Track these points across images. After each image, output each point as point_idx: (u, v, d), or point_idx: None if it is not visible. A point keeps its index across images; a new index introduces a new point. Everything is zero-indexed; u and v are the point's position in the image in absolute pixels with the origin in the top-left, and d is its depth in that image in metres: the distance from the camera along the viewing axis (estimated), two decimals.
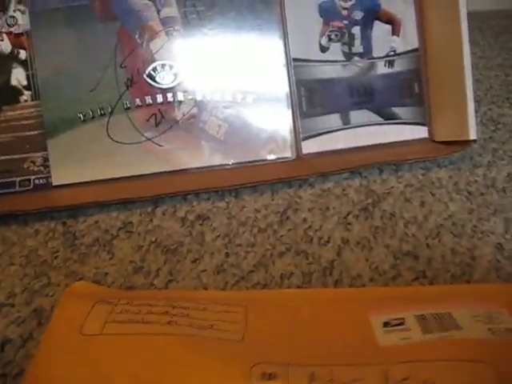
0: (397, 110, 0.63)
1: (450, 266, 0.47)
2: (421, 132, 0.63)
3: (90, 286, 0.45)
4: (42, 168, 0.57)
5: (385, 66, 0.63)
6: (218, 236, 0.51)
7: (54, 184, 0.57)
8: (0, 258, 0.50)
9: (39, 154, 0.57)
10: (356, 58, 0.62)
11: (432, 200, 0.55)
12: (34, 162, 0.57)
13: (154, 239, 0.51)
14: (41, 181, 0.57)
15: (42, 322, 0.44)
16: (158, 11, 0.58)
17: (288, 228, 0.52)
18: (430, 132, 0.63)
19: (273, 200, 0.55)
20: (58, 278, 0.48)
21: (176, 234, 0.51)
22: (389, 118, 0.63)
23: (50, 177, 0.57)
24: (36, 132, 0.57)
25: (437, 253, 0.49)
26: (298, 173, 0.57)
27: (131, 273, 0.48)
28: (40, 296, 0.46)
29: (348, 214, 0.54)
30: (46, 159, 0.57)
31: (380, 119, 0.62)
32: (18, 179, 0.57)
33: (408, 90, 0.64)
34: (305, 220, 0.53)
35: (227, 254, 0.49)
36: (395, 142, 0.63)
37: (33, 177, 0.57)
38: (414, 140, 0.63)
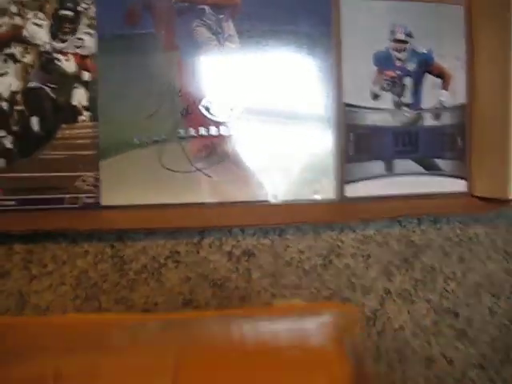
0: (439, 162, 0.64)
1: (489, 327, 0.48)
2: (461, 186, 0.65)
3: None
4: (92, 187, 0.58)
5: (431, 118, 0.64)
6: (264, 275, 0.52)
7: (102, 204, 0.58)
8: (51, 277, 0.51)
9: (91, 174, 0.58)
10: (405, 108, 0.64)
11: (470, 256, 0.57)
12: (85, 181, 0.58)
13: (201, 271, 0.52)
14: (90, 200, 0.58)
15: None
16: (221, 45, 0.59)
17: (332, 273, 0.53)
18: (469, 187, 0.65)
19: (316, 242, 0.56)
20: (108, 303, 0.49)
21: (223, 268, 0.52)
22: (430, 169, 0.64)
23: (99, 197, 0.58)
24: (90, 152, 0.58)
25: (476, 312, 0.50)
26: (340, 217, 0.59)
27: (181, 305, 0.49)
28: None
29: (389, 264, 0.55)
30: (96, 179, 0.58)
31: (422, 170, 0.64)
32: (68, 196, 0.58)
33: (451, 144, 0.65)
34: (348, 266, 0.54)
35: (273, 295, 0.50)
36: (435, 194, 0.64)
37: (82, 195, 0.58)
38: (453, 193, 0.64)
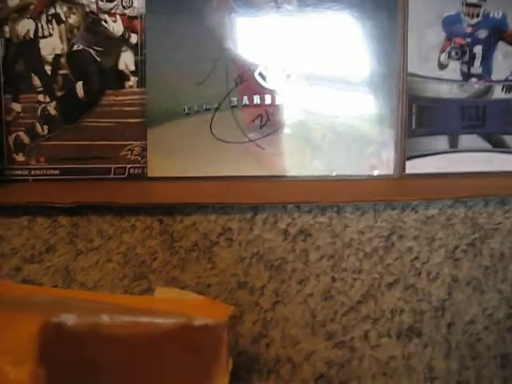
0: (507, 139, 0.60)
1: None
2: None
3: None
4: (138, 158, 0.55)
5: (502, 90, 0.59)
6: (323, 256, 0.49)
7: (149, 175, 0.55)
8: (97, 253, 0.48)
9: (138, 143, 0.55)
10: (473, 79, 0.59)
11: None
12: (131, 151, 0.55)
13: (255, 251, 0.49)
14: (136, 170, 0.55)
15: None
16: (278, 7, 0.55)
17: (394, 256, 0.50)
18: None
19: (376, 222, 0.53)
20: (159, 283, 0.46)
21: (279, 248, 0.49)
22: (498, 145, 0.60)
23: (145, 167, 0.55)
24: (137, 120, 0.55)
25: None
26: (400, 195, 0.55)
27: (235, 287, 0.46)
28: None
29: (455, 248, 0.51)
30: (144, 149, 0.55)
31: (489, 146, 0.59)
32: (113, 166, 0.55)
33: None
34: (411, 249, 0.50)
35: (333, 279, 0.47)
36: (502, 172, 0.59)
37: (128, 165, 0.55)
38: None
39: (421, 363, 0.41)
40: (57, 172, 0.54)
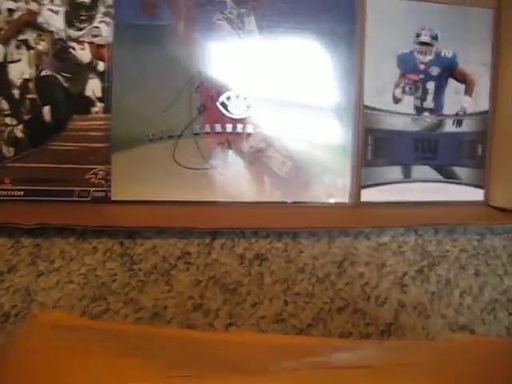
0: (457, 170, 0.63)
1: None
2: (477, 195, 0.64)
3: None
4: (102, 181, 0.57)
5: (453, 124, 0.63)
6: (277, 281, 0.51)
7: (112, 199, 0.57)
8: (59, 274, 0.49)
9: (102, 167, 0.57)
10: (426, 114, 0.62)
11: (487, 270, 0.55)
12: (95, 175, 0.57)
13: (212, 275, 0.51)
14: (100, 194, 0.57)
15: None
16: (240, 38, 0.58)
17: (345, 282, 0.52)
18: (486, 196, 0.63)
19: (330, 248, 0.55)
20: (116, 304, 0.47)
21: (235, 272, 0.51)
22: (448, 176, 0.63)
23: (109, 191, 0.57)
24: (102, 145, 0.57)
25: (492, 330, 0.49)
26: (355, 223, 0.57)
27: (190, 309, 0.47)
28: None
29: (404, 275, 0.54)
30: (108, 173, 0.57)
31: (440, 177, 0.63)
32: (77, 189, 0.57)
33: (471, 152, 0.64)
34: (362, 275, 0.53)
35: (286, 302, 0.49)
36: (451, 202, 0.62)
37: (92, 189, 0.57)
38: (470, 202, 0.63)
39: None
40: (21, 193, 0.56)
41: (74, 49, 0.56)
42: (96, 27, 0.55)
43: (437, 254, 0.56)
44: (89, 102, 0.56)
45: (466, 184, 0.63)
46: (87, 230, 0.53)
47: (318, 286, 0.50)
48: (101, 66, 0.56)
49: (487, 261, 0.56)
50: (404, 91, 0.61)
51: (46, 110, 0.56)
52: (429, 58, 0.62)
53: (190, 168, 0.57)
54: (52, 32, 0.55)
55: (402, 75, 0.61)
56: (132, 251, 0.52)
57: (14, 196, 0.56)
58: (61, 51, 0.56)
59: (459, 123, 0.63)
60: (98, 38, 0.56)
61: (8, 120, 0.56)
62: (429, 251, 0.56)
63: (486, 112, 0.64)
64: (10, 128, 0.56)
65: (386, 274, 0.52)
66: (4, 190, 0.55)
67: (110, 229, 0.53)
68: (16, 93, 0.55)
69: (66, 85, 0.56)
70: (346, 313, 0.48)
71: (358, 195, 0.61)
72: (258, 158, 0.58)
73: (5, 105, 0.55)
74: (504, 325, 0.49)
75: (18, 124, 0.55)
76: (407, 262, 0.54)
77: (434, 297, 0.51)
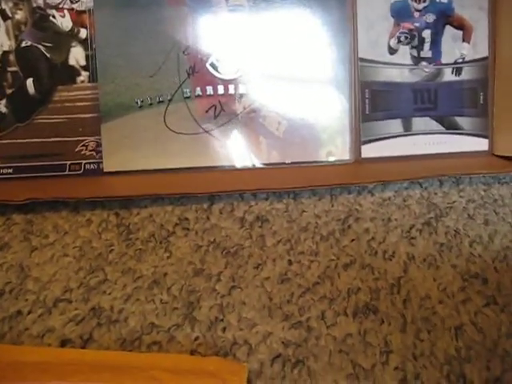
0: (459, 120, 0.61)
1: None
2: (482, 145, 0.62)
3: None
4: (93, 153, 0.55)
5: (452, 73, 0.60)
6: (280, 241, 0.49)
7: (105, 170, 0.55)
8: (53, 248, 0.48)
9: (92, 139, 0.55)
10: (423, 63, 0.60)
11: (496, 219, 0.54)
12: (86, 146, 0.55)
13: (212, 239, 0.49)
14: (92, 166, 0.55)
15: (101, 323, 0.42)
16: (230, 3, 0.55)
17: (351, 238, 0.50)
18: (490, 145, 0.61)
19: (332, 206, 0.53)
20: (114, 274, 0.46)
21: (235, 235, 0.49)
22: (450, 127, 0.61)
23: (101, 163, 0.55)
24: (90, 115, 0.55)
25: (506, 278, 0.47)
26: (357, 179, 0.55)
27: (191, 275, 0.46)
28: (97, 293, 0.44)
29: (411, 228, 0.52)
30: (98, 144, 0.55)
31: (441, 128, 0.60)
32: (68, 163, 0.55)
33: (472, 100, 0.62)
34: (367, 230, 0.51)
35: (290, 262, 0.47)
36: (455, 153, 0.60)
37: (84, 161, 0.55)
38: (474, 152, 0.61)
39: (376, 339, 0.41)
40: (10, 171, 0.54)
41: (53, 17, 0.53)
42: None
43: (443, 205, 0.54)
44: (73, 72, 0.54)
45: (469, 134, 0.61)
46: (80, 203, 0.52)
47: (322, 244, 0.48)
48: (83, 33, 0.54)
49: (496, 210, 0.54)
50: (399, 41, 0.59)
51: (29, 82, 0.54)
52: (423, 4, 0.59)
53: (182, 133, 0.55)
54: (29, 0, 0.53)
55: (397, 24, 0.59)
56: (128, 221, 0.50)
57: (2, 174, 0.54)
58: (40, 20, 0.53)
59: (459, 71, 0.60)
60: (77, 4, 0.54)
61: None
62: (435, 203, 0.54)
63: (485, 58, 0.61)
64: None
65: (392, 229, 0.50)
66: None
67: (104, 200, 0.51)
68: None
69: (48, 55, 0.54)
70: (353, 269, 0.46)
71: (359, 151, 0.59)
72: (252, 118, 0.56)
73: None
74: None
75: (1, 99, 0.54)
76: (413, 215, 0.52)
77: (443, 248, 0.49)
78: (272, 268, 0.46)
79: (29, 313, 0.42)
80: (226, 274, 0.46)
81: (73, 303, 0.43)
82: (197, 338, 0.41)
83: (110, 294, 0.44)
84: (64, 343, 0.40)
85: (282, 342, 0.41)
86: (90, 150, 0.55)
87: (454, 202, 0.55)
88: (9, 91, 0.53)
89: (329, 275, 0.46)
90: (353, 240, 0.50)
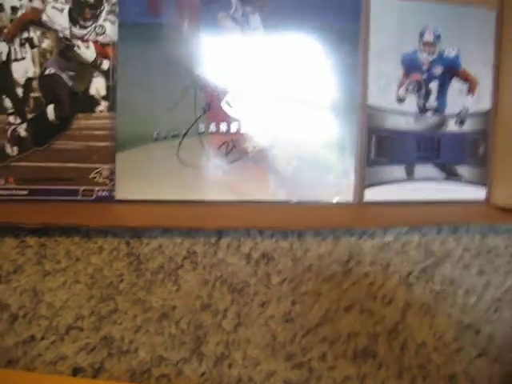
0: (459, 169, 0.63)
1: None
2: (479, 194, 0.64)
3: None
4: (106, 180, 0.56)
5: (455, 123, 0.63)
6: (284, 280, 0.51)
7: (116, 198, 0.56)
8: (65, 274, 0.49)
9: (106, 166, 0.56)
10: (429, 113, 0.62)
11: (490, 269, 0.56)
12: (100, 173, 0.56)
13: (219, 275, 0.51)
14: (104, 193, 0.57)
15: (112, 353, 0.43)
16: (246, 40, 0.57)
17: (352, 281, 0.52)
18: (488, 195, 0.64)
19: (335, 247, 0.55)
20: (125, 304, 0.47)
21: (241, 272, 0.51)
22: (451, 175, 0.63)
23: (113, 190, 0.56)
24: (106, 144, 0.57)
25: (497, 329, 0.49)
26: (359, 222, 0.58)
27: (199, 309, 0.47)
28: (108, 323, 0.46)
29: (409, 274, 0.54)
30: (112, 172, 0.56)
31: (442, 176, 0.63)
32: (81, 188, 0.56)
33: (473, 150, 0.64)
34: (367, 275, 0.53)
35: (294, 302, 0.49)
36: (454, 201, 0.63)
37: (96, 188, 0.57)
38: (472, 201, 0.63)
39: (375, 383, 0.43)
40: (25, 193, 0.55)
41: (78, 47, 0.55)
42: (101, 25, 0.55)
43: (440, 253, 0.56)
44: (93, 101, 0.56)
45: (469, 182, 0.64)
46: (92, 230, 0.53)
47: (324, 286, 0.50)
48: (105, 64, 0.56)
49: (490, 259, 0.56)
50: (407, 90, 0.61)
51: (50, 108, 0.55)
52: (432, 57, 0.62)
53: (194, 167, 0.57)
54: (56, 30, 0.55)
55: (406, 74, 0.61)
56: (138, 251, 0.52)
57: (17, 195, 0.55)
58: (65, 49, 0.55)
59: (462, 122, 0.63)
60: (102, 37, 0.55)
61: (12, 119, 0.55)
62: (432, 251, 0.56)
63: (488, 111, 0.64)
64: (13, 127, 0.55)
65: (390, 274, 0.52)
66: (8, 189, 0.55)
67: (116, 228, 0.53)
68: (20, 91, 0.55)
69: (70, 83, 0.55)
70: (353, 312, 0.48)
71: (362, 194, 0.61)
72: (262, 157, 0.58)
73: (8, 103, 0.55)
74: (509, 324, 0.49)
75: (22, 123, 0.55)
76: (411, 261, 0.54)
77: (438, 296, 0.51)
78: (276, 307, 0.48)
79: (42, 338, 0.43)
80: (232, 311, 0.47)
81: (84, 331, 0.44)
82: (203, 373, 0.42)
83: (120, 323, 0.45)
84: (76, 371, 0.41)
85: (285, 382, 0.43)
86: (104, 178, 0.56)
87: (451, 250, 0.57)
88: (30, 116, 0.55)
89: (330, 317, 0.48)
90: (354, 283, 0.52)
